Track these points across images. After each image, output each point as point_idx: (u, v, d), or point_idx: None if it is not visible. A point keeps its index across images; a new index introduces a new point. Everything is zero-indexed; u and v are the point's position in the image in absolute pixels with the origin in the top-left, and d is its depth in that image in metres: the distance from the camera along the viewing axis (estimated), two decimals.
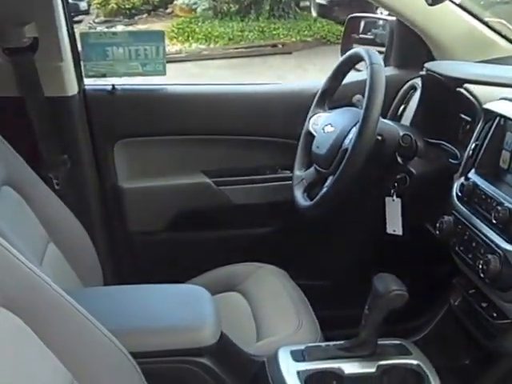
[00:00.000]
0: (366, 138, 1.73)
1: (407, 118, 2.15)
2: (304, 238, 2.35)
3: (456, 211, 1.69)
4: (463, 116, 1.93)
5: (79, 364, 1.17)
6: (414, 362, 1.67)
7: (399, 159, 1.86)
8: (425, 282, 2.08)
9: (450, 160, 1.87)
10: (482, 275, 1.53)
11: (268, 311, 1.92)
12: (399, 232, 1.90)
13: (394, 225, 1.90)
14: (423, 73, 2.01)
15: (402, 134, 1.84)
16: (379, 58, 1.81)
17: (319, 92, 2.08)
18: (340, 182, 1.78)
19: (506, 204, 1.53)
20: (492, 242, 1.54)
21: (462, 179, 1.73)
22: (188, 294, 1.64)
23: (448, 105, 1.97)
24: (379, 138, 1.82)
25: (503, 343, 1.60)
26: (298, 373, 1.60)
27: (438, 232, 1.72)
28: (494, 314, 1.62)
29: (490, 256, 1.51)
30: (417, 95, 2.16)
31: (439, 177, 1.85)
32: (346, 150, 1.78)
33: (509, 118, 1.64)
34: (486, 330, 1.67)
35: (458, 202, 1.70)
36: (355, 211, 2.22)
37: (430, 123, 1.99)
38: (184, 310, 1.57)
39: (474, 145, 1.74)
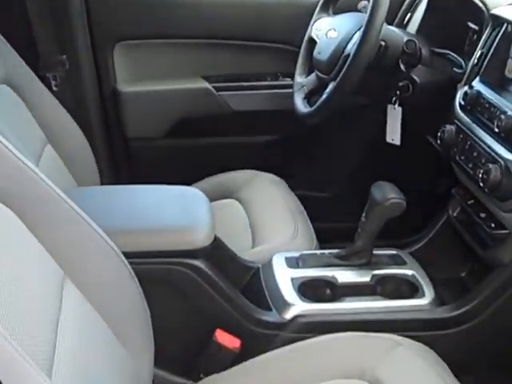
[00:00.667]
0: (369, 43, 1.68)
1: (413, 27, 2.09)
2: (304, 148, 2.32)
3: (458, 120, 1.66)
4: (470, 25, 1.87)
5: (70, 260, 1.16)
6: (409, 272, 1.67)
7: (402, 66, 1.81)
8: (423, 193, 2.06)
9: (455, 69, 1.82)
10: (481, 185, 1.50)
11: (264, 219, 1.91)
12: (397, 142, 1.87)
13: (393, 134, 1.87)
14: None
15: (406, 39, 1.79)
16: None
17: None
18: (341, 88, 1.73)
19: (510, 113, 1.49)
20: (493, 151, 1.51)
21: (466, 88, 1.68)
22: (183, 196, 1.61)
23: (455, 12, 1.92)
24: (382, 43, 1.77)
25: (498, 254, 1.58)
26: (292, 279, 1.60)
27: (439, 141, 1.69)
28: (492, 225, 1.60)
29: (490, 165, 1.48)
30: (424, 3, 2.10)
31: (442, 86, 1.81)
32: (349, 55, 1.73)
33: None
34: (482, 241, 1.65)
35: (460, 111, 1.67)
36: (356, 119, 2.19)
37: (436, 32, 1.94)
38: (178, 210, 1.55)
39: (479, 52, 1.69)
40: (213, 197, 1.93)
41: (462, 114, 1.66)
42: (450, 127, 1.67)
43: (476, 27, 1.85)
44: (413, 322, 1.57)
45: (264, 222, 1.89)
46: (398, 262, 1.71)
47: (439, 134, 1.68)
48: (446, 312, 1.59)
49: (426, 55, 1.82)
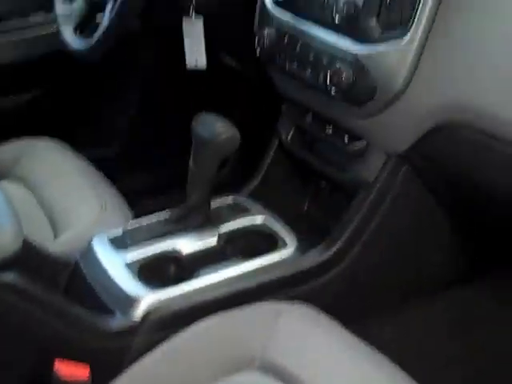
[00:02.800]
0: None
1: None
2: (79, 99, 1.88)
3: (276, 20, 1.33)
4: None
5: None
6: (257, 219, 1.35)
7: None
8: (248, 119, 1.71)
9: None
10: (333, 91, 1.19)
11: (58, 197, 1.47)
12: (202, 64, 1.49)
13: (196, 55, 1.49)
14: None
15: None
16: None
17: None
18: (124, 7, 1.33)
19: None
20: (337, 47, 1.20)
21: None
22: None
23: None
24: None
25: (360, 172, 1.30)
26: (127, 265, 1.21)
27: (259, 49, 1.35)
28: (345, 140, 1.31)
29: (339, 65, 1.18)
30: None
31: None
32: None
33: None
34: (335, 162, 1.36)
35: (277, 7, 1.34)
36: (142, 46, 1.78)
37: None
38: None
39: None
40: None
41: (280, 11, 1.33)
42: (270, 30, 1.33)
43: None
44: (282, 279, 1.26)
45: (59, 202, 1.45)
46: (239, 209, 1.38)
47: (257, 39, 1.35)
48: (315, 258, 1.29)
49: None
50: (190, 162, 1.27)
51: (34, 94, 1.83)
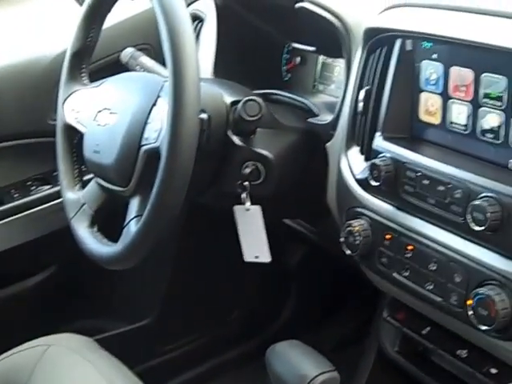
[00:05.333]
0: (189, 122, 0.94)
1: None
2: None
3: (372, 211, 0.99)
4: (299, 46, 1.28)
5: None
6: None
7: (236, 139, 1.10)
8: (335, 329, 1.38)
9: (310, 120, 1.16)
10: (480, 327, 0.84)
11: None
12: (265, 257, 1.15)
13: (255, 247, 1.14)
14: None
15: (243, 99, 1.07)
16: None
17: (68, 55, 1.20)
18: (162, 206, 0.98)
19: (484, 193, 0.85)
20: (476, 261, 0.86)
21: (357, 153, 1.03)
22: None
23: (272, 34, 1.30)
24: (204, 116, 1.06)
25: None
26: None
27: (346, 248, 1.01)
28: (492, 370, 0.96)
29: (482, 291, 0.83)
30: (207, 29, 1.41)
31: (308, 154, 1.14)
32: (155, 149, 0.99)
33: (423, 35, 0.95)
34: None
35: (371, 196, 1.00)
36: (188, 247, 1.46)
37: (247, 68, 1.30)
38: None
39: (363, 92, 1.02)
40: None
41: (376, 201, 0.99)
42: (359, 223, 0.99)
43: (310, 47, 1.26)
44: None
45: None
46: None
47: (344, 238, 1.01)
48: None
49: (265, 111, 1.12)
50: None
51: (41, 277, 1.48)
